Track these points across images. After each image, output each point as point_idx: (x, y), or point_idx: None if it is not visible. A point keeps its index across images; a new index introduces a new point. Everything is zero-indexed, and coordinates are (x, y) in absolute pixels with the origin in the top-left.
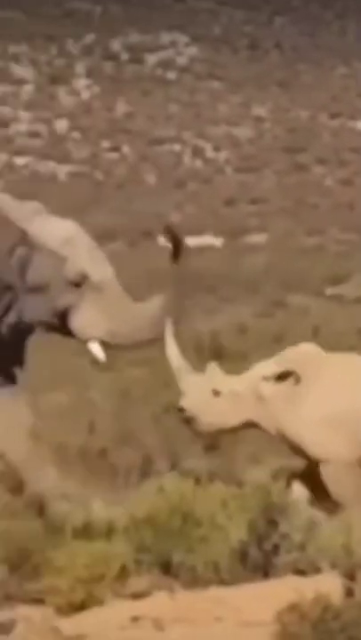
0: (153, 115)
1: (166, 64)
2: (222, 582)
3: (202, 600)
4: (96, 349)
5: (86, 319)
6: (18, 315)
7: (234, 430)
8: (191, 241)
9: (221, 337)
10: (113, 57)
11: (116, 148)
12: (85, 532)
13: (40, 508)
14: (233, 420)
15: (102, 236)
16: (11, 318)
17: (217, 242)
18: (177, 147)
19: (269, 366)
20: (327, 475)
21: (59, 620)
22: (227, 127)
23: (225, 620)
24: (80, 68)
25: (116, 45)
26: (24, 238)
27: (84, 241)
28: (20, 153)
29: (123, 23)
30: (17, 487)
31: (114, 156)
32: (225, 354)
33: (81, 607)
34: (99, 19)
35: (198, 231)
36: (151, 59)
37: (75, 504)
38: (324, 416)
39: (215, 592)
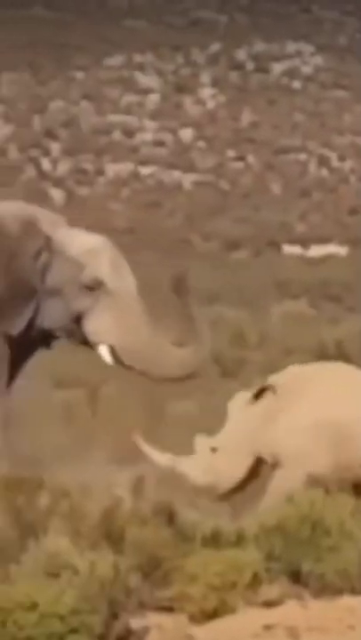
0: (278, 124)
1: (292, 73)
2: (353, 591)
3: (334, 609)
4: (104, 352)
5: (99, 324)
6: (41, 320)
7: (246, 482)
8: (316, 250)
9: (346, 346)
10: (238, 66)
11: (241, 158)
12: (214, 540)
13: (169, 516)
14: (239, 470)
15: (227, 245)
16: (39, 321)
17: (341, 251)
18: (302, 156)
19: (246, 394)
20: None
21: (192, 627)
22: (352, 136)
23: (358, 628)
24: (205, 77)
25: (241, 55)
26: (48, 244)
27: (108, 255)
28: (145, 162)
29: (248, 32)
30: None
31: (239, 165)
32: (350, 363)
33: (213, 615)
34: (224, 28)
35: (323, 240)
36: (277, 68)
37: (204, 513)
38: (305, 426)
39: (347, 601)
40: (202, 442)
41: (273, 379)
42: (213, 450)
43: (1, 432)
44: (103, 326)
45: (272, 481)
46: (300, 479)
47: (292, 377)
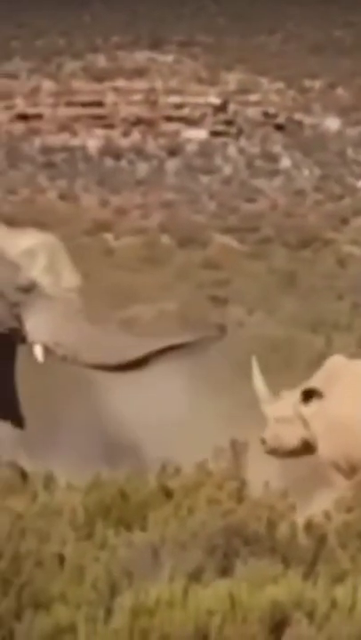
0: None
1: None
2: None
3: None
4: (37, 351)
5: (33, 323)
6: None
7: (298, 453)
8: None
9: None
10: None
11: None
12: None
13: None
14: (291, 442)
15: None
16: None
17: None
18: None
19: (300, 389)
20: None
21: None
22: None
23: None
24: None
25: None
26: None
27: (44, 254)
28: None
29: None
30: None
31: None
32: None
33: None
34: None
35: None
36: None
37: None
38: (331, 420)
39: None
40: (269, 410)
41: (318, 374)
42: (277, 420)
43: None
44: (36, 326)
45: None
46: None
47: (331, 373)
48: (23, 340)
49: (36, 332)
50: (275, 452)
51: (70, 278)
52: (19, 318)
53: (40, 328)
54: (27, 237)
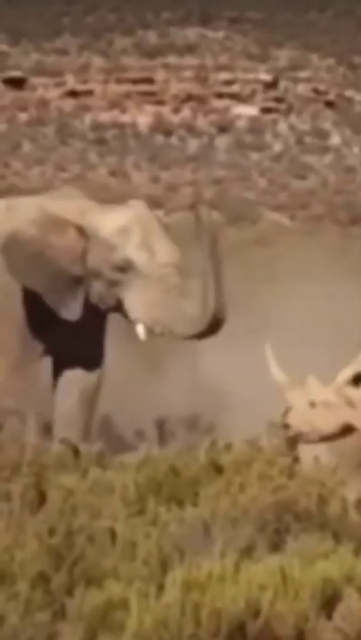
0: None
1: None
2: None
3: None
4: (140, 330)
5: (132, 302)
6: (95, 301)
7: (333, 437)
8: None
9: None
10: None
11: None
12: None
13: None
14: (329, 427)
15: None
16: (94, 302)
17: None
18: None
19: (348, 371)
20: None
21: None
22: None
23: None
24: None
25: None
26: (81, 231)
27: (137, 231)
28: None
29: None
30: None
31: None
32: None
33: None
34: None
35: None
36: None
37: None
38: None
39: None
40: (300, 395)
41: None
42: (312, 404)
43: (79, 406)
44: (135, 305)
45: None
46: None
47: None
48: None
49: (136, 312)
50: (301, 436)
51: (164, 253)
52: (118, 297)
53: (139, 307)
54: (119, 214)
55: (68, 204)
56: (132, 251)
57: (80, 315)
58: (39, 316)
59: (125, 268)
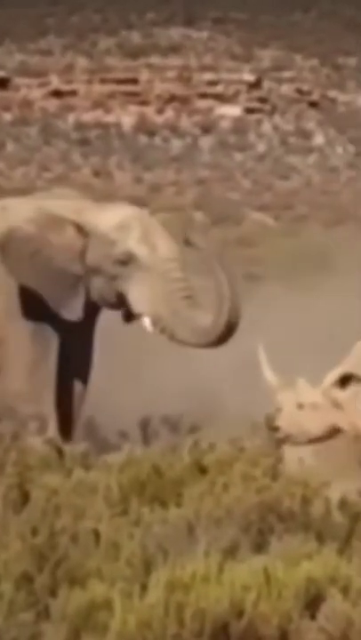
0: None
1: None
2: None
3: None
4: (146, 323)
5: (136, 295)
6: (94, 298)
7: (321, 439)
8: None
9: None
10: None
11: None
12: None
13: None
14: (317, 429)
15: None
16: (94, 299)
17: None
18: None
19: (335, 373)
20: None
21: None
22: None
23: None
24: None
25: None
26: (79, 230)
27: (138, 226)
28: None
29: None
30: None
31: None
32: None
33: None
34: None
35: None
36: None
37: None
38: None
39: None
40: (290, 397)
41: (349, 359)
42: (300, 406)
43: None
44: (139, 298)
45: None
46: None
47: None
48: (128, 316)
49: (140, 305)
50: (290, 438)
51: (166, 248)
52: (119, 291)
53: (143, 301)
54: (117, 211)
55: (65, 203)
56: (133, 244)
57: (81, 314)
58: (38, 312)
59: (127, 261)
